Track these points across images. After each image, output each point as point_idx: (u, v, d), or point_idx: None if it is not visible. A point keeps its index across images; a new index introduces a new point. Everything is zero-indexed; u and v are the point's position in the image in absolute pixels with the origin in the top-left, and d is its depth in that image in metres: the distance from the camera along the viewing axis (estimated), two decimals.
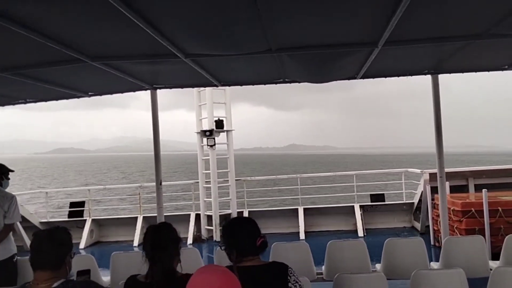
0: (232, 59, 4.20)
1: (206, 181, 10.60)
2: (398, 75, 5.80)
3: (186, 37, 3.46)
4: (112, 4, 2.58)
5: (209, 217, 10.37)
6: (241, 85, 5.77)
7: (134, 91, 5.90)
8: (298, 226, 10.18)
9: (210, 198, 10.36)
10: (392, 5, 2.94)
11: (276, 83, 5.64)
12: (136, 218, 10.61)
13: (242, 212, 10.67)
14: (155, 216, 5.99)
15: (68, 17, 2.93)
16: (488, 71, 5.54)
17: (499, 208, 7.09)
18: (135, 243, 10.13)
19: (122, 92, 5.94)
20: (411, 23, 3.42)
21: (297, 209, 10.58)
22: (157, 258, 2.51)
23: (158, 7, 2.83)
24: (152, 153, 5.86)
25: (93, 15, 2.92)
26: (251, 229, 2.62)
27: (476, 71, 5.62)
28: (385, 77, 5.77)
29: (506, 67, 5.44)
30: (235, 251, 2.54)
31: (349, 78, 5.58)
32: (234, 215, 10.41)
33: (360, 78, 5.58)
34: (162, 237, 2.60)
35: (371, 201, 10.66)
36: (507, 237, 4.45)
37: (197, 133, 10.52)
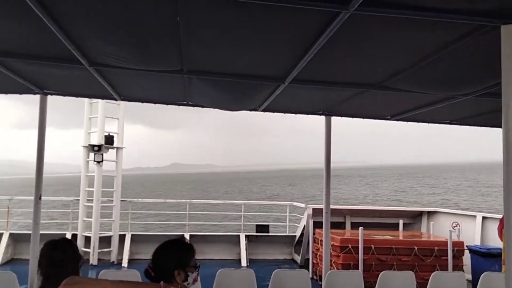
0: (139, 74, 4.06)
1: (88, 199, 9.91)
2: (295, 113, 6.10)
3: (96, 44, 3.27)
4: None
5: (87, 238, 9.65)
6: (142, 102, 5.58)
7: (20, 93, 5.37)
8: None
9: (91, 218, 9.68)
10: (305, 47, 3.10)
11: (179, 104, 5.56)
12: (1, 234, 9.46)
13: (124, 234, 10.13)
14: (25, 234, 5.40)
15: None
16: (374, 119, 6.09)
17: (372, 245, 7.69)
18: None
19: (5, 93, 5.38)
20: (317, 66, 3.64)
21: (183, 235, 10.35)
22: (53, 277, 2.27)
23: (72, 7, 2.65)
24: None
25: None
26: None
27: (364, 118, 6.15)
28: (284, 112, 6.03)
29: (389, 117, 6.04)
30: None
31: (251, 110, 5.73)
32: (116, 237, 9.83)
33: (261, 111, 5.75)
34: (60, 254, 2.36)
35: (256, 232, 10.85)
36: (381, 273, 4.82)
37: (84, 147, 9.87)
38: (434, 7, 2.33)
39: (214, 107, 5.57)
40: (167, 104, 5.59)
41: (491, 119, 5.42)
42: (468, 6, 2.34)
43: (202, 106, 5.58)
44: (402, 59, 3.37)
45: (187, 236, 10.26)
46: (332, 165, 6.17)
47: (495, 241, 8.86)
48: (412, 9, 2.33)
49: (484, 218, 9.37)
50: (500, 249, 6.83)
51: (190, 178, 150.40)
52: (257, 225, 11.05)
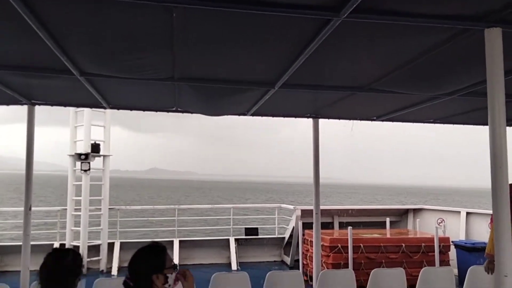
0: (129, 82, 4.08)
1: (75, 208, 9.82)
2: (284, 116, 6.19)
3: (88, 55, 3.29)
4: (12, 4, 2.34)
5: (75, 248, 9.56)
6: (131, 109, 5.60)
7: (7, 104, 5.33)
8: (172, 259, 9.90)
9: (79, 227, 9.59)
10: (296, 53, 3.18)
11: (168, 111, 5.60)
12: None
13: (113, 242, 10.06)
14: (11, 245, 5.34)
15: None
16: (361, 120, 6.21)
17: (361, 244, 7.81)
18: None
19: None
20: (307, 71, 3.72)
21: (172, 241, 10.33)
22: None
23: (63, 18, 2.67)
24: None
25: None
26: None
27: (350, 119, 6.26)
28: (272, 116, 6.11)
29: (375, 118, 6.17)
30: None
31: (240, 114, 5.79)
32: (105, 246, 9.76)
33: (250, 115, 5.82)
34: (62, 266, 2.35)
35: (246, 235, 10.89)
36: (372, 271, 4.92)
37: (71, 156, 9.78)
38: (422, 13, 2.43)
39: (202, 113, 5.62)
40: (156, 111, 5.62)
41: (474, 117, 5.58)
42: (454, 11, 2.45)
43: (191, 112, 5.62)
44: (389, 62, 3.48)
45: (176, 242, 10.25)
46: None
47: (479, 236, 9.09)
48: (401, 15, 2.42)
49: (468, 213, 9.60)
50: (485, 243, 7.01)
51: (170, 184, 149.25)
52: (246, 228, 11.08)
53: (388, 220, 9.75)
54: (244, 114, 5.87)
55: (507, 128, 6.46)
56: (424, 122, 6.64)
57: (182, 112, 5.65)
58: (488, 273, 4.73)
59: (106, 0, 2.33)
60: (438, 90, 4.29)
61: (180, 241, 10.36)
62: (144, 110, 5.65)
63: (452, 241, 8.51)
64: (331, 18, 2.44)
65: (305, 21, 2.56)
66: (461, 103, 4.91)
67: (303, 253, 8.88)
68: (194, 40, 2.96)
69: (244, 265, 10.26)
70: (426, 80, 3.98)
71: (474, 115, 5.48)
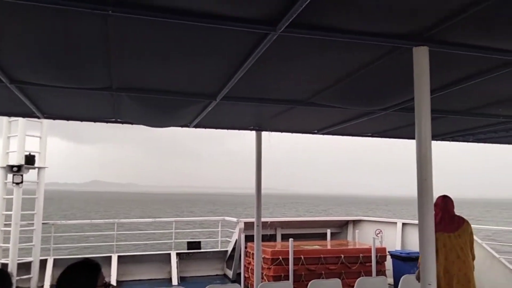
0: (65, 92, 3.94)
1: (5, 224, 9.22)
2: (227, 128, 6.21)
3: (20, 61, 3.14)
4: None
5: (4, 266, 8.96)
6: (67, 119, 5.38)
7: None
8: (110, 276, 9.54)
9: (8, 243, 9.01)
10: (235, 66, 3.21)
11: (107, 121, 5.44)
12: None
13: (46, 259, 9.53)
14: None
15: None
16: (303, 133, 6.35)
17: (302, 256, 7.92)
18: None
19: None
20: (248, 84, 3.77)
21: (110, 256, 9.95)
22: None
23: None
24: None
25: None
26: None
27: (293, 132, 6.39)
28: (216, 128, 6.11)
29: (316, 131, 6.33)
30: None
31: (182, 126, 5.73)
32: (36, 263, 9.23)
33: (193, 127, 5.78)
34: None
35: (188, 249, 10.70)
36: (310, 283, 4.98)
37: (2, 167, 9.21)
38: (354, 30, 2.53)
39: (143, 124, 5.51)
40: (95, 121, 5.44)
41: (407, 131, 5.87)
42: (385, 30, 2.57)
43: (131, 123, 5.50)
44: (326, 77, 3.59)
45: (114, 257, 9.88)
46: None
47: (414, 246, 9.48)
48: (335, 31, 2.51)
49: (404, 224, 10.01)
50: (419, 253, 7.34)
51: (112, 196, 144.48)
52: (188, 242, 10.89)
53: (329, 231, 9.96)
54: (187, 126, 5.83)
55: (438, 142, 6.85)
56: (362, 136, 6.90)
57: (123, 123, 5.52)
58: (419, 281, 4.94)
59: (39, 7, 2.24)
60: (373, 105, 4.48)
61: (119, 257, 10.00)
62: (81, 120, 5.46)
63: (388, 251, 8.82)
64: (268, 32, 2.49)
65: (243, 34, 2.59)
66: (395, 118, 5.15)
67: (245, 266, 8.86)
68: (131, 50, 2.91)
69: (185, 280, 10.06)
70: (362, 95, 4.14)
71: (407, 129, 5.76)
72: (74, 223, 13.36)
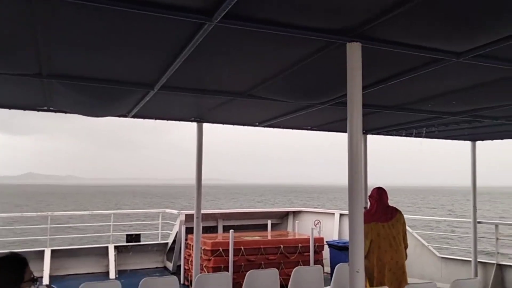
0: None
1: None
2: (167, 119, 6.11)
3: None
4: None
5: None
6: None
7: None
8: (42, 270, 9.13)
9: None
10: (173, 55, 3.15)
11: (38, 110, 5.17)
12: None
13: None
14: None
15: None
16: (244, 125, 6.37)
17: (242, 247, 7.98)
18: None
19: None
20: (187, 74, 3.72)
21: (43, 251, 9.52)
22: None
23: None
24: None
25: None
26: None
27: (234, 124, 6.40)
28: (155, 119, 6.00)
29: (257, 124, 6.38)
30: None
31: (120, 116, 5.57)
32: None
33: (131, 117, 5.64)
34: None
35: (127, 241, 10.46)
36: (247, 273, 5.03)
37: None
38: (290, 24, 2.56)
39: (78, 113, 5.29)
40: (24, 109, 5.14)
41: (344, 126, 6.04)
42: (320, 24, 2.62)
43: (66, 112, 5.26)
44: (264, 70, 3.61)
45: (48, 251, 9.47)
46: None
47: None
48: (270, 24, 2.53)
49: (341, 215, 10.35)
50: (363, 242, 7.62)
51: (49, 189, 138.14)
52: (127, 235, 10.65)
53: (269, 222, 10.10)
54: (125, 116, 5.67)
55: (376, 136, 7.11)
56: (302, 129, 7.04)
57: (56, 111, 5.27)
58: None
59: None
60: (311, 99, 4.57)
61: (53, 251, 9.59)
62: (9, 107, 5.14)
63: (326, 241, 9.09)
64: (204, 22, 2.46)
65: (179, 23, 2.54)
66: (333, 112, 5.29)
67: (185, 258, 8.80)
68: (61, 35, 2.77)
69: (123, 273, 9.84)
70: (300, 89, 4.21)
71: (344, 123, 5.94)
72: (3, 216, 12.65)
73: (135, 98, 4.53)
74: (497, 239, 8.30)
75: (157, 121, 6.16)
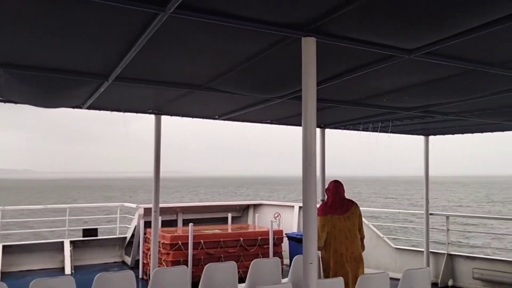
0: None
1: None
2: (124, 111, 5.98)
3: None
4: None
5: None
6: None
7: None
8: None
9: None
10: (127, 45, 3.08)
11: None
12: None
13: None
14: None
15: None
16: (203, 118, 6.33)
17: (201, 240, 7.96)
18: None
19: None
20: (143, 65, 3.65)
21: None
22: None
23: None
24: None
25: None
26: None
27: (194, 117, 6.34)
28: (112, 110, 5.85)
29: (217, 117, 6.35)
30: None
31: (74, 107, 5.41)
32: None
33: (86, 108, 5.49)
34: None
35: (84, 236, 10.22)
36: (206, 266, 5.02)
37: None
38: (245, 17, 2.55)
39: (30, 104, 5.08)
40: None
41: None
42: (276, 18, 2.63)
43: (15, 102, 5.05)
44: (222, 62, 3.59)
45: None
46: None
47: None
48: (226, 16, 2.51)
49: (300, 207, 10.49)
50: (316, 234, 7.75)
51: (3, 184, 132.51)
52: (84, 229, 10.40)
53: (230, 215, 10.11)
54: (80, 107, 5.52)
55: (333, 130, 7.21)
56: (262, 122, 7.06)
57: (4, 101, 5.06)
58: None
59: None
60: (269, 93, 4.59)
61: (4, 246, 9.24)
62: None
63: (285, 234, 9.20)
64: (158, 12, 2.42)
65: (133, 13, 2.49)
66: (291, 106, 5.34)
67: (143, 252, 8.70)
68: (7, 21, 2.65)
69: (80, 268, 9.61)
70: (258, 83, 4.22)
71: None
72: None
73: (89, 89, 4.41)
74: (448, 230, 8.67)
75: (114, 112, 6.03)
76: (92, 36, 3.00)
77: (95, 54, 3.38)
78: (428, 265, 8.02)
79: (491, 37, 2.83)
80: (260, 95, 4.74)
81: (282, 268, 6.27)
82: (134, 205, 10.37)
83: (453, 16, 2.53)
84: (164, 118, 6.30)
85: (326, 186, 6.02)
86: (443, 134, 7.99)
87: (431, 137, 8.29)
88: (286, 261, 8.78)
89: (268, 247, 8.36)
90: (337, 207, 5.63)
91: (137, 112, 6.08)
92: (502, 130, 7.37)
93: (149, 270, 7.86)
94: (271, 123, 7.04)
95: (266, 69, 3.79)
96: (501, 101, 4.91)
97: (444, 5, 2.40)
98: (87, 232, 10.33)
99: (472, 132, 7.78)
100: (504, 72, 3.63)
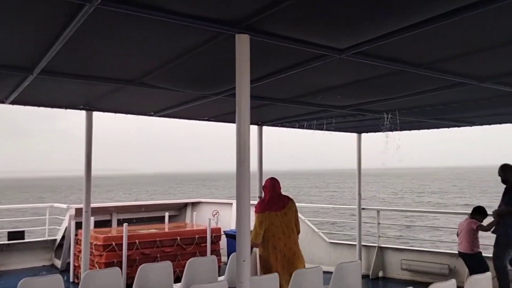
0: None
1: None
2: (52, 107, 5.70)
3: None
4: None
5: None
6: None
7: None
8: None
9: None
10: (52, 37, 2.92)
11: None
12: None
13: None
14: None
15: None
16: (138, 115, 6.16)
17: (136, 240, 7.74)
18: None
19: None
20: (70, 59, 3.49)
21: None
22: None
23: None
24: None
25: None
26: None
27: (128, 113, 6.14)
28: (39, 106, 5.57)
29: (152, 113, 6.20)
30: None
31: None
32: None
33: (10, 103, 5.16)
34: None
35: (9, 239, 9.61)
36: (140, 267, 4.89)
37: None
38: (177, 11, 2.49)
39: None
40: None
41: None
42: (209, 14, 2.59)
43: None
44: (154, 57, 3.50)
45: None
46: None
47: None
48: (156, 10, 2.44)
49: None
50: (250, 231, 7.81)
51: None
52: (9, 232, 9.78)
53: (167, 214, 9.93)
54: (3, 102, 5.18)
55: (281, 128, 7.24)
56: (198, 119, 7.00)
57: None
58: None
59: None
60: (204, 89, 4.55)
61: None
62: None
63: (223, 231, 9.19)
64: (84, 3, 2.31)
65: (57, 2, 2.36)
66: (228, 104, 5.31)
67: (75, 254, 8.33)
68: None
69: (5, 273, 9.03)
70: (192, 79, 4.17)
71: None
72: None
73: (11, 83, 4.14)
74: (378, 224, 9.08)
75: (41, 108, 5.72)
76: (14, 26, 2.81)
77: (17, 46, 3.18)
78: (360, 258, 8.35)
79: (419, 39, 2.96)
80: (195, 91, 4.69)
81: (219, 266, 6.25)
82: (65, 206, 9.91)
83: (383, 16, 2.62)
84: (109, 114, 6.07)
85: (263, 183, 6.07)
86: (374, 132, 8.33)
87: (363, 135, 8.62)
88: (224, 258, 8.77)
89: (206, 245, 8.31)
90: (274, 204, 5.70)
91: (66, 107, 5.80)
92: (428, 128, 7.82)
93: (80, 273, 7.54)
94: (208, 120, 6.98)
95: (201, 66, 3.75)
96: (426, 101, 5.19)
97: (373, 6, 2.48)
98: (13, 235, 9.73)
99: (401, 130, 8.19)
100: (430, 73, 3.83)
